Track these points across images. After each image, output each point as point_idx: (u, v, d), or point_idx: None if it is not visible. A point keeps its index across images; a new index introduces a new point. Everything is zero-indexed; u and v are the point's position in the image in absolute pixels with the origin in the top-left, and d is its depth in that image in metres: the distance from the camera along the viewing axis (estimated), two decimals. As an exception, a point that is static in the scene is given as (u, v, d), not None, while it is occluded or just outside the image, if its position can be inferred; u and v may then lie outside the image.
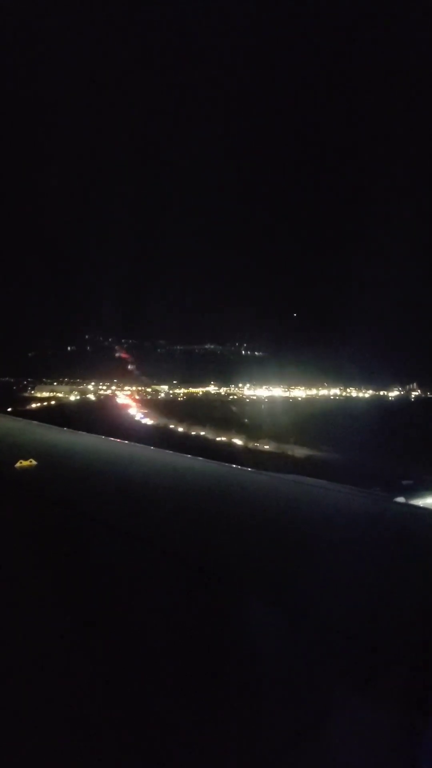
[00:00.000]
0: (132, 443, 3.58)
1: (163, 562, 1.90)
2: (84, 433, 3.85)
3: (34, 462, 2.79)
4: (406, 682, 1.25)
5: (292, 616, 1.53)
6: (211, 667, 1.36)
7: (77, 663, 1.42)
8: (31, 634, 1.54)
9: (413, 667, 1.30)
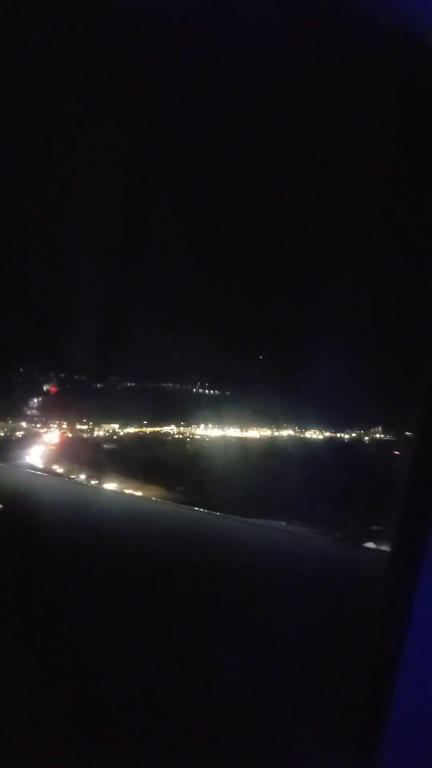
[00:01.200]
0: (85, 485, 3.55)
1: (131, 606, 1.88)
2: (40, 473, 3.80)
3: None
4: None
5: (259, 660, 1.53)
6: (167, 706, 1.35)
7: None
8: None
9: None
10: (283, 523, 2.88)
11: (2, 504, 3.25)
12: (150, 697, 1.43)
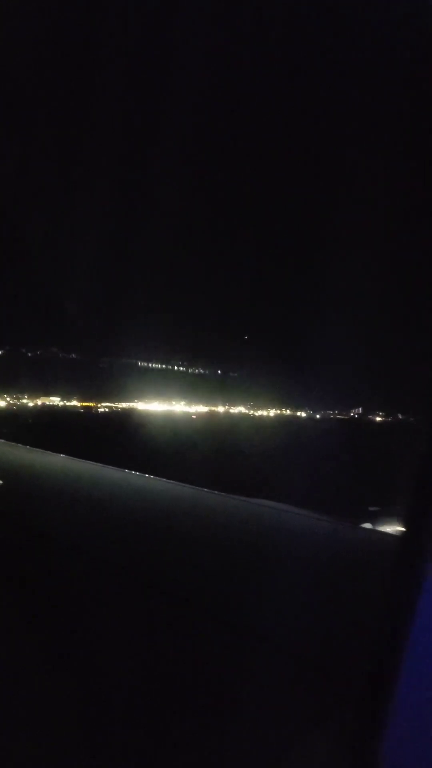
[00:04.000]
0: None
1: (127, 583, 1.89)
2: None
3: None
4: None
5: (252, 640, 1.54)
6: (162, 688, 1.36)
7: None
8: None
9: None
10: (282, 504, 2.89)
11: None
12: (147, 681, 1.45)
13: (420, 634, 1.09)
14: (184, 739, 1.30)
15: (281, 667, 1.44)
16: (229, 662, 1.50)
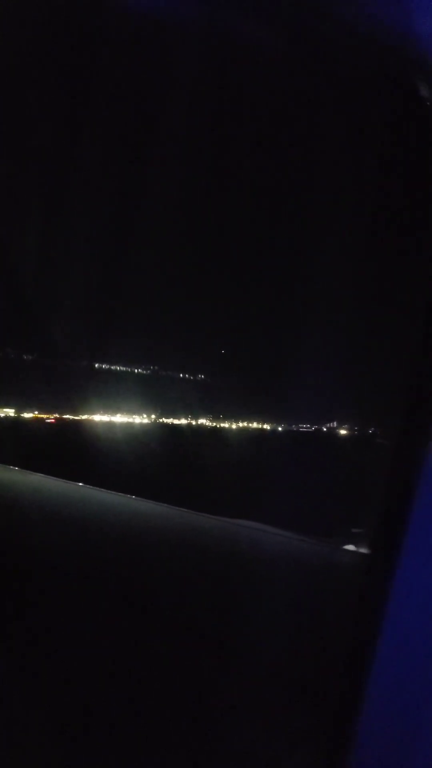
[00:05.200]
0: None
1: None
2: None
3: None
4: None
5: (239, 663, 1.54)
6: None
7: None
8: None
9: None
10: (261, 525, 2.89)
11: None
12: (137, 698, 1.44)
13: (386, 648, 1.11)
14: (175, 759, 1.30)
15: (263, 688, 1.44)
16: (209, 684, 1.50)
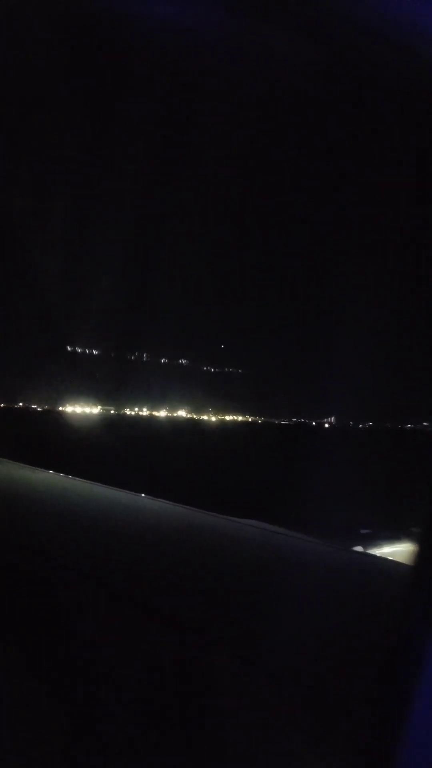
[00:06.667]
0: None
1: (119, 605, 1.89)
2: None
3: None
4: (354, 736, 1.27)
5: (246, 666, 1.54)
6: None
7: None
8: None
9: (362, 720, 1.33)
10: (268, 525, 2.90)
11: None
12: (143, 702, 1.45)
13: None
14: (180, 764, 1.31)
15: (274, 692, 1.44)
16: (220, 688, 1.50)
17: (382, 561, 2.88)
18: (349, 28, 1.13)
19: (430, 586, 1.14)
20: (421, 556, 1.21)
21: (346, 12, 1.10)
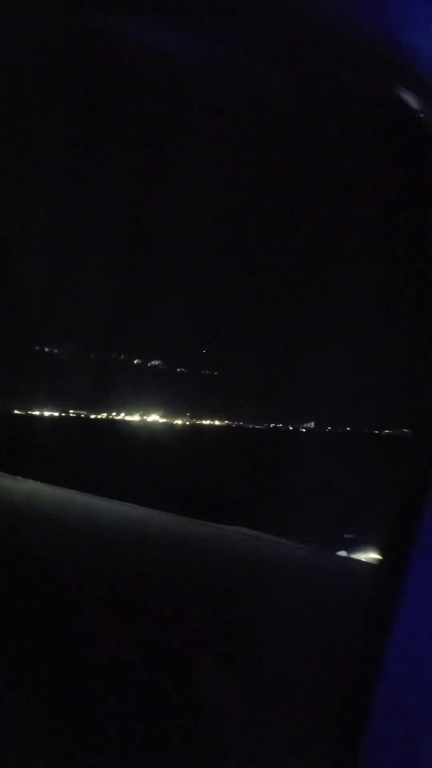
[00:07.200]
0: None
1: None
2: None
3: None
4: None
5: (233, 670, 1.57)
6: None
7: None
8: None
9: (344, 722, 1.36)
10: (255, 532, 2.92)
11: None
12: (135, 707, 1.47)
13: (396, 656, 1.13)
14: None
15: (261, 695, 1.47)
16: (206, 693, 1.52)
17: (367, 565, 2.91)
18: (329, 58, 1.18)
19: (394, 590, 1.18)
20: (385, 560, 1.25)
21: (326, 41, 1.15)
